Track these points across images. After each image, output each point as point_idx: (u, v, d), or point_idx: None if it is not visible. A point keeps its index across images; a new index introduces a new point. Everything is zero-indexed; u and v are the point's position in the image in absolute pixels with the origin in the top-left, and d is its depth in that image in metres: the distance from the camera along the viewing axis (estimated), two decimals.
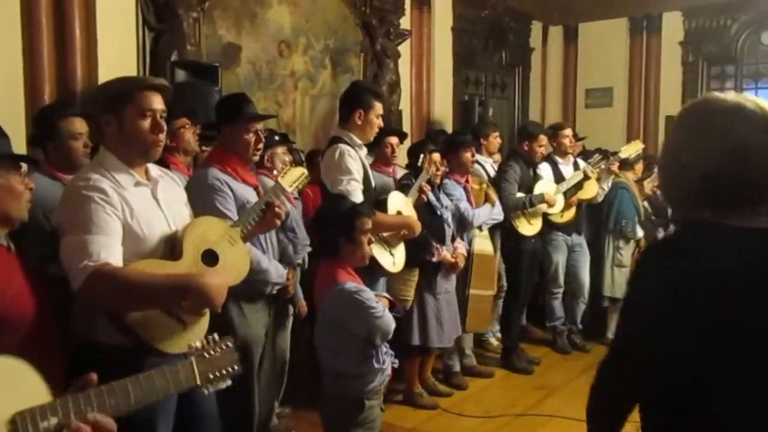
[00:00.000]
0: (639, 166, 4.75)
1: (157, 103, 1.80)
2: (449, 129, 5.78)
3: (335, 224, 2.24)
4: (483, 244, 3.82)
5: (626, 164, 4.57)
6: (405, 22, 5.28)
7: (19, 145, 3.06)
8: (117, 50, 3.46)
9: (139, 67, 3.55)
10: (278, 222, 2.27)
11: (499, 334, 4.53)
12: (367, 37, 4.98)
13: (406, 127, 5.42)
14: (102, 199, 1.70)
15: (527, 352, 4.42)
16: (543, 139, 4.19)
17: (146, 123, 1.77)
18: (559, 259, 4.42)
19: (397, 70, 5.16)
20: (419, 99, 5.56)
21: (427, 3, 5.53)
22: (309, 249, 3.14)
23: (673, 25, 6.80)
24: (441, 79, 5.72)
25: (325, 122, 4.67)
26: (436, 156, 3.44)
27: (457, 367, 3.94)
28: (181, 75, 3.44)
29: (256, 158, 2.60)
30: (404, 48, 5.29)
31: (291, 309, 3.08)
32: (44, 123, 2.47)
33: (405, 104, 5.38)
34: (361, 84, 3.34)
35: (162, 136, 1.82)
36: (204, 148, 3.24)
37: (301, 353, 3.18)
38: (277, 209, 2.22)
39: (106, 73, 3.38)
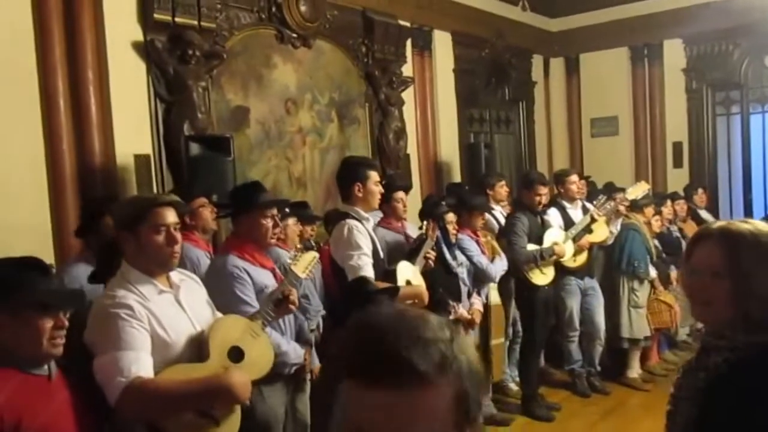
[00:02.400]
0: (649, 210, 4.85)
1: (170, 217, 1.98)
2: (457, 172, 5.96)
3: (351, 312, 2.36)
4: (496, 295, 3.97)
5: (636, 206, 4.69)
6: (407, 69, 5.48)
7: (42, 219, 3.27)
8: (132, 124, 3.64)
9: (153, 139, 3.73)
10: (293, 310, 2.44)
11: (518, 379, 4.62)
12: (370, 88, 5.17)
13: (414, 172, 5.60)
14: (128, 315, 1.85)
15: (547, 397, 4.51)
16: (540, 188, 4.27)
17: (160, 238, 1.95)
18: (573, 303, 4.54)
19: (402, 117, 5.34)
20: (425, 143, 5.73)
21: (428, 47, 5.74)
22: (323, 313, 3.27)
23: (674, 53, 6.97)
24: (446, 121, 5.91)
25: (335, 174, 4.82)
26: (450, 216, 3.57)
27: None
28: (195, 148, 3.61)
29: (274, 241, 2.73)
30: (408, 94, 5.48)
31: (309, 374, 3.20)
32: (89, 216, 2.66)
33: (412, 149, 5.55)
34: (351, 159, 3.44)
35: (177, 248, 1.99)
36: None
37: (321, 419, 3.28)
38: (291, 297, 2.38)
39: (122, 147, 3.58)
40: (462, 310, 3.55)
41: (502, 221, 4.49)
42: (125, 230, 1.97)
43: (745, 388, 1.23)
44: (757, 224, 1.34)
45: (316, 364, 3.17)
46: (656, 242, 4.93)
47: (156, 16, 3.63)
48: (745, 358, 1.28)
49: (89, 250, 2.64)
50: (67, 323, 1.78)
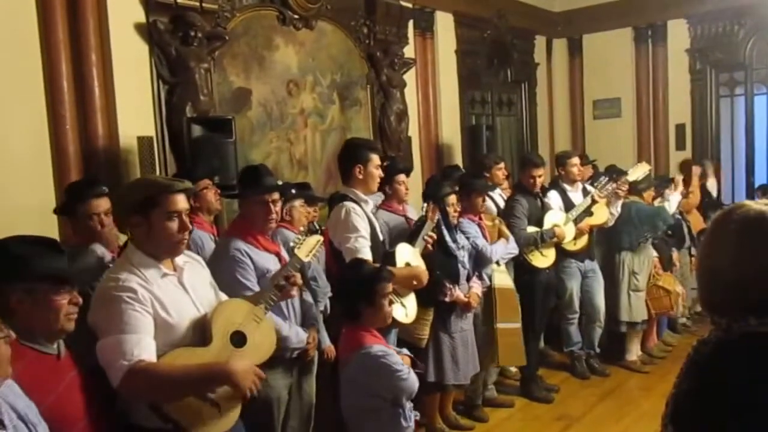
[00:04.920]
0: (649, 193, 4.92)
1: (182, 203, 2.03)
2: (458, 154, 6.03)
3: (356, 292, 2.42)
4: (502, 278, 4.02)
5: (635, 189, 4.76)
6: (409, 51, 5.52)
7: (47, 200, 3.35)
8: (135, 105, 3.71)
9: (156, 121, 3.80)
10: (294, 294, 2.49)
11: None
12: (372, 69, 5.22)
13: (415, 154, 5.67)
14: (131, 298, 1.90)
15: (546, 379, 4.62)
16: (534, 170, 4.33)
17: (173, 224, 2.00)
18: (573, 285, 4.62)
19: (403, 98, 5.39)
20: (427, 125, 5.80)
21: (430, 29, 5.78)
22: (330, 294, 3.36)
23: (678, 33, 6.99)
24: (447, 103, 5.96)
25: (336, 156, 4.89)
26: (452, 198, 3.65)
27: (479, 400, 4.15)
28: (197, 130, 3.68)
29: (273, 226, 2.78)
30: (410, 75, 5.52)
31: (316, 354, 3.29)
32: (67, 202, 2.73)
33: (413, 131, 5.61)
34: (354, 140, 3.49)
35: (187, 234, 2.05)
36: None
37: (327, 397, 3.38)
38: (292, 283, 2.41)
39: (125, 129, 3.65)
40: (459, 293, 3.61)
41: (501, 204, 4.56)
42: (137, 214, 1.99)
43: (698, 382, 1.21)
44: (749, 205, 1.31)
45: (327, 344, 3.24)
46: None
47: None
48: (711, 346, 1.25)
49: (75, 232, 2.70)
50: (81, 300, 1.87)
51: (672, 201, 5.11)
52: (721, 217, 1.30)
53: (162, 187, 2.02)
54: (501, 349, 3.95)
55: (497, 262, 4.00)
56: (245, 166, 3.07)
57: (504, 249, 4.01)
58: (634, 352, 4.98)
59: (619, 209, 4.65)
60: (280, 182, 3.29)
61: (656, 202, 5.02)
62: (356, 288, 2.44)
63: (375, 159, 3.19)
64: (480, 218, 4.02)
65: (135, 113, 3.71)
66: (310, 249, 2.55)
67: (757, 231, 1.22)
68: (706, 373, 1.22)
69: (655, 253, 4.95)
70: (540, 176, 4.39)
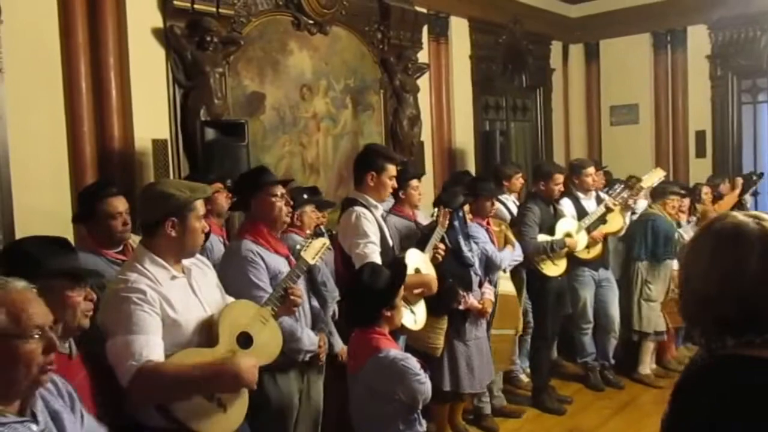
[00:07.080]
0: (672, 203, 4.92)
1: (204, 207, 2.23)
2: (471, 159, 6.14)
3: (379, 298, 2.48)
4: (505, 285, 4.10)
5: (656, 197, 4.81)
6: (422, 55, 5.64)
7: (63, 203, 3.50)
8: (150, 109, 3.86)
9: (171, 124, 3.95)
10: (295, 311, 2.59)
11: (529, 370, 4.79)
12: (385, 74, 5.35)
13: (428, 159, 5.79)
14: (140, 299, 2.00)
15: (559, 390, 4.67)
16: (559, 177, 4.43)
17: (201, 225, 2.18)
18: (587, 295, 4.67)
19: (416, 103, 5.51)
20: (440, 130, 5.92)
21: (444, 34, 5.91)
22: (338, 299, 3.47)
23: (698, 39, 7.05)
24: (461, 108, 6.09)
25: (348, 160, 5.01)
26: (465, 207, 3.75)
27: (488, 410, 4.21)
28: (210, 133, 3.82)
29: (288, 220, 2.89)
30: (423, 80, 5.65)
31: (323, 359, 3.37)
32: (85, 204, 2.84)
33: (426, 136, 5.74)
34: (373, 147, 3.56)
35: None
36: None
37: (331, 401, 3.46)
38: (293, 298, 2.49)
39: (141, 132, 3.80)
40: (472, 300, 3.69)
41: (514, 210, 4.65)
42: (173, 216, 2.11)
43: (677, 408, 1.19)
44: (736, 217, 1.25)
45: (341, 346, 3.29)
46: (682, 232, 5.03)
47: (176, 2, 3.83)
48: (689, 369, 1.24)
49: (91, 236, 2.78)
50: (95, 297, 1.98)
51: (686, 228, 5.12)
52: (703, 227, 1.30)
53: (200, 190, 2.20)
54: (499, 355, 3.97)
55: (503, 269, 4.08)
56: (244, 172, 3.16)
57: (511, 256, 4.10)
58: (647, 365, 4.98)
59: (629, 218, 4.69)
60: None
61: (683, 217, 5.05)
62: (379, 290, 2.48)
63: (390, 170, 3.27)
64: (488, 223, 4.11)
65: (150, 116, 3.86)
66: (316, 251, 2.64)
67: (726, 243, 1.19)
68: (679, 399, 1.20)
69: (676, 266, 4.96)
70: (560, 184, 4.48)
